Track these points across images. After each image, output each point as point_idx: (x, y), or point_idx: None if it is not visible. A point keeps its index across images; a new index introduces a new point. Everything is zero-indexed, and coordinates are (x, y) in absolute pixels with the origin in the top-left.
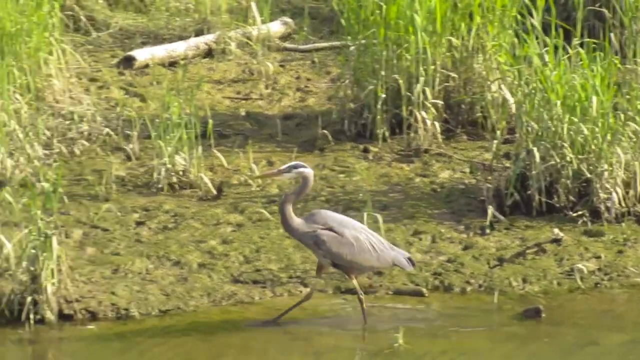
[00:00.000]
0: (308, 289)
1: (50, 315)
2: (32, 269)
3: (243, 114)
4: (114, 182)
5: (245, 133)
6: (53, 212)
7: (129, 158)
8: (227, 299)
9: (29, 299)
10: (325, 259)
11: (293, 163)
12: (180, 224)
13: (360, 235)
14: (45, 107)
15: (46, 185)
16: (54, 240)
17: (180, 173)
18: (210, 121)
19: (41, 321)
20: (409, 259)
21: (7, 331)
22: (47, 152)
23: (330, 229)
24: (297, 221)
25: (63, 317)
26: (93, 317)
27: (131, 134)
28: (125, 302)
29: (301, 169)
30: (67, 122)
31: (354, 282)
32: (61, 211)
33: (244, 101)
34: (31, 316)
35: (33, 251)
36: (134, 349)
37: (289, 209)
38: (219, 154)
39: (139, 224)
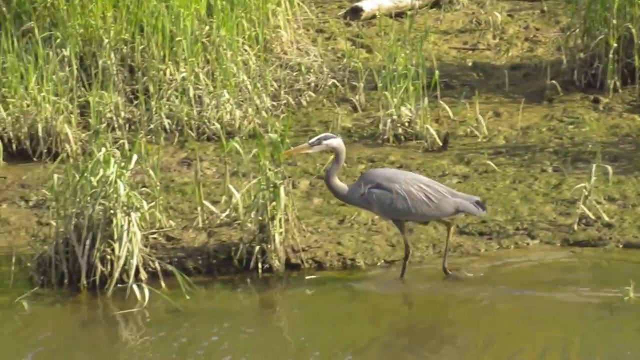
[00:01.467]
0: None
1: (277, 264)
2: (260, 218)
3: (470, 64)
4: (340, 133)
5: (472, 84)
6: (281, 162)
7: (355, 109)
8: (453, 250)
9: (257, 248)
10: (384, 215)
11: (322, 135)
12: None
13: (413, 187)
14: (273, 59)
15: (274, 135)
16: (282, 190)
17: (406, 124)
18: (437, 72)
19: (269, 270)
20: (478, 203)
21: (236, 279)
22: (274, 103)
23: (379, 186)
24: (345, 189)
25: (290, 266)
26: (319, 266)
27: (357, 85)
28: (351, 252)
29: (330, 140)
30: (295, 74)
31: (404, 237)
32: (288, 162)
33: (470, 52)
34: (259, 265)
35: (261, 201)
36: (359, 299)
37: (335, 181)
38: (445, 105)
39: None
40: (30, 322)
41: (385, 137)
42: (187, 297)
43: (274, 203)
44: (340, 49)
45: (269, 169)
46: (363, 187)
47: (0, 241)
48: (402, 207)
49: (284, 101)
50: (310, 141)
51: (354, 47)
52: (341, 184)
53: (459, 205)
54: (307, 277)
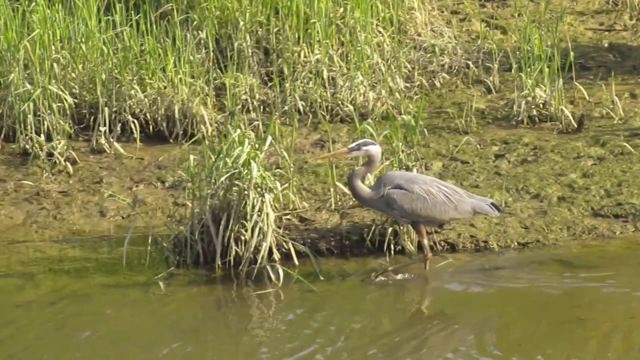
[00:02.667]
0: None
1: (410, 246)
2: None
3: (606, 45)
4: (474, 114)
5: (608, 65)
6: (414, 144)
7: (489, 90)
8: (587, 232)
9: (389, 229)
10: (402, 218)
11: (362, 140)
12: (539, 157)
13: (432, 188)
14: (407, 40)
15: (407, 117)
16: (415, 171)
17: (541, 105)
18: (572, 53)
19: (401, 252)
20: (493, 205)
21: (369, 260)
22: (408, 84)
23: (399, 187)
24: (366, 190)
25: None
26: (452, 248)
27: (492, 66)
28: (484, 235)
29: (370, 147)
30: (428, 55)
31: (424, 241)
32: (421, 143)
33: (607, 33)
34: (392, 247)
35: None
36: (491, 280)
37: (358, 182)
38: (580, 87)
39: (498, 156)
40: (166, 302)
41: (520, 118)
42: (321, 278)
43: None
44: (475, 30)
45: (402, 151)
46: (383, 189)
47: (137, 221)
48: (422, 207)
49: (418, 83)
50: (350, 146)
51: (488, 28)
52: (363, 186)
53: (476, 207)
54: (440, 259)
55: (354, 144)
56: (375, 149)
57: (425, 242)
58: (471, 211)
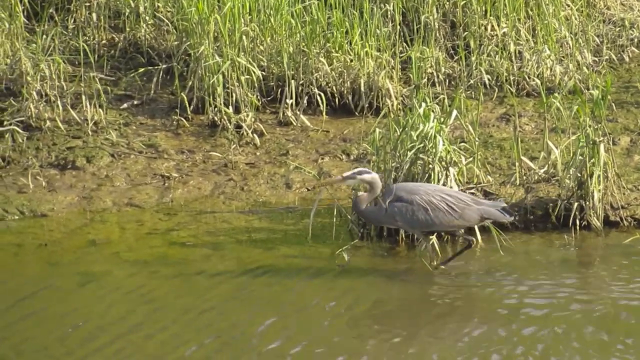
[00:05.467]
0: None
1: (595, 222)
2: (579, 175)
3: None
4: None
5: None
6: (601, 119)
7: None
8: None
9: (575, 205)
10: (410, 228)
11: (357, 170)
12: None
13: (434, 198)
14: (595, 14)
15: (595, 92)
16: (602, 147)
17: None
18: None
19: (587, 227)
20: (504, 209)
21: (554, 236)
22: (596, 59)
23: (400, 199)
24: (373, 211)
25: (608, 223)
26: (639, 224)
27: None
28: None
29: (365, 175)
30: (617, 29)
31: (426, 245)
32: (609, 118)
33: None
34: (577, 222)
35: (580, 158)
36: None
37: (363, 207)
38: None
39: None
40: (348, 273)
41: None
42: (501, 253)
43: (593, 160)
44: None
45: (589, 126)
46: (385, 203)
47: (323, 193)
48: (424, 218)
49: (606, 57)
50: (345, 174)
51: None
52: (369, 209)
53: (483, 213)
54: (626, 235)
55: (349, 173)
56: (371, 177)
57: (428, 245)
58: (478, 218)
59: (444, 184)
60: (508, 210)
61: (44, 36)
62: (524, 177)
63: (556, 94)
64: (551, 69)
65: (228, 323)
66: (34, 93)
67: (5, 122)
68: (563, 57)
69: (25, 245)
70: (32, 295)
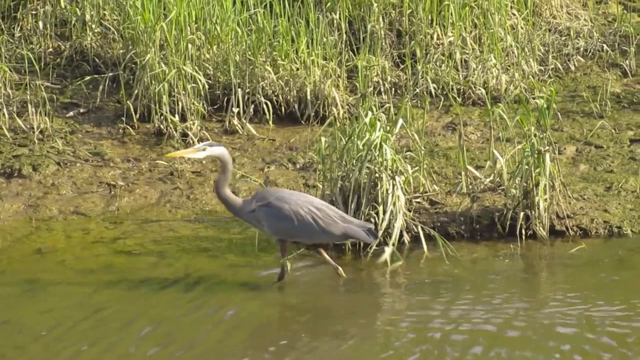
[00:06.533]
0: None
1: (541, 231)
2: (524, 184)
3: None
4: (609, 98)
5: None
6: (546, 128)
7: (625, 74)
8: None
9: (521, 214)
10: (273, 234)
11: (208, 142)
12: None
13: (302, 209)
14: (541, 23)
15: (540, 101)
16: (547, 156)
17: None
18: None
19: (532, 236)
20: (369, 231)
21: (499, 245)
22: (542, 68)
23: (269, 205)
24: (238, 202)
25: (554, 233)
26: (584, 234)
27: (628, 49)
28: (617, 220)
29: (214, 148)
30: (563, 38)
31: (323, 255)
32: (555, 127)
33: None
34: (523, 231)
35: (526, 167)
36: (623, 266)
37: (226, 192)
38: None
39: (634, 141)
40: (294, 283)
41: None
42: (447, 263)
43: (538, 169)
44: (612, 13)
45: (534, 135)
46: (254, 204)
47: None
48: (289, 227)
49: (552, 66)
50: (196, 146)
51: (625, 11)
52: (233, 197)
53: (348, 231)
54: (571, 244)
55: (198, 145)
56: (220, 151)
57: (285, 261)
58: (342, 236)
59: (392, 193)
60: (374, 232)
61: None
62: (470, 186)
63: (501, 104)
64: (497, 78)
65: (173, 332)
66: None
67: None
68: (509, 66)
69: None
70: None
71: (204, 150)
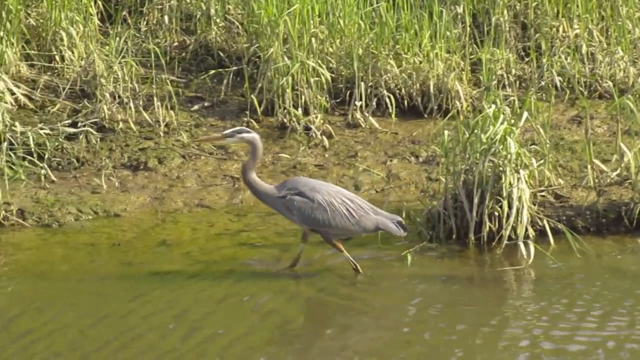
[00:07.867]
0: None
1: None
2: None
3: None
4: None
5: None
6: None
7: None
8: None
9: None
10: (303, 224)
11: (237, 128)
12: None
13: (335, 200)
14: None
15: None
16: None
17: None
18: None
19: None
20: (399, 223)
21: (626, 240)
22: None
23: (301, 194)
24: (266, 187)
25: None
26: None
27: None
28: None
29: (245, 134)
30: None
31: (339, 246)
32: None
33: None
34: None
35: None
36: None
37: (252, 176)
38: None
39: None
40: (416, 274)
41: None
42: (578, 256)
43: None
44: None
45: None
46: (284, 191)
47: (391, 195)
48: (322, 217)
49: None
50: (225, 132)
51: None
52: (260, 182)
53: (379, 223)
54: None
55: (228, 131)
56: (251, 136)
57: (299, 254)
58: (373, 228)
59: (516, 187)
60: (403, 225)
61: (117, 38)
62: (596, 180)
63: (629, 95)
64: (624, 71)
65: (296, 323)
66: (107, 95)
67: (79, 124)
68: (637, 58)
69: (98, 245)
70: (111, 296)
71: (232, 137)
